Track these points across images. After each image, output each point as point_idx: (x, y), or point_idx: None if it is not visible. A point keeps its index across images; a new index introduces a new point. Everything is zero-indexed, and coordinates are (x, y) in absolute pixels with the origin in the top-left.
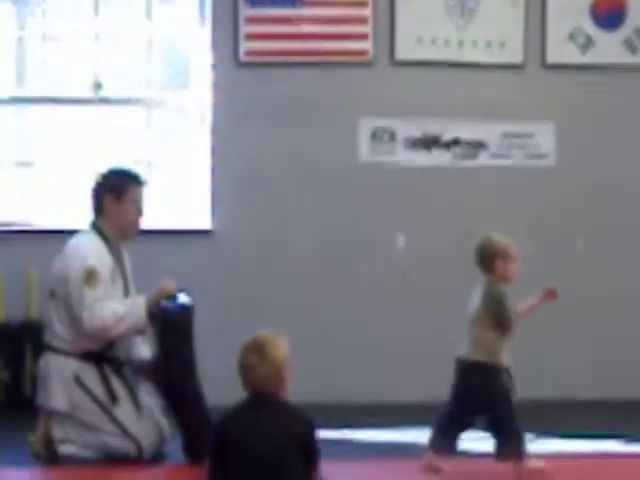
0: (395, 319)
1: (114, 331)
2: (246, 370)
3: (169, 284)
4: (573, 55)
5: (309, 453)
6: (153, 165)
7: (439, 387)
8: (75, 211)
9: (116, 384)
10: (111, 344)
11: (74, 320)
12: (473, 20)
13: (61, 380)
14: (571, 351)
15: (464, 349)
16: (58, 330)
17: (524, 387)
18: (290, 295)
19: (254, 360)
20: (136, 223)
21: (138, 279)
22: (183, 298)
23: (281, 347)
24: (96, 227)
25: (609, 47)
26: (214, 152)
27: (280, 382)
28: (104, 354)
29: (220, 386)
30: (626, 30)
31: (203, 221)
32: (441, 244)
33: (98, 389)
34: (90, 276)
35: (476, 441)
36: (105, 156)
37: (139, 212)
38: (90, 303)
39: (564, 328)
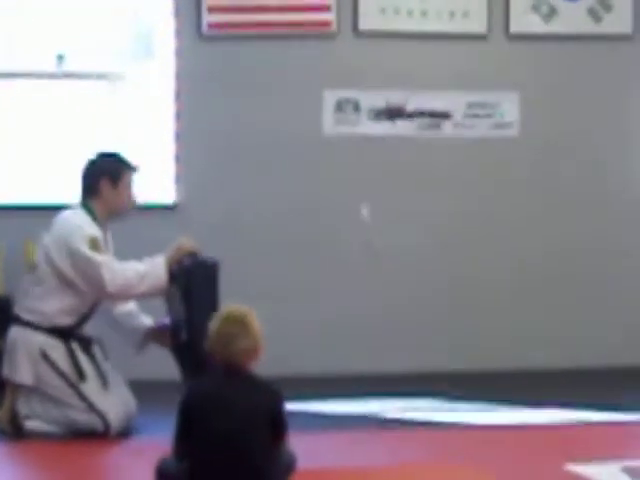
0: (360, 289)
1: (136, 290)
2: (227, 340)
3: (186, 242)
4: (536, 25)
5: (277, 425)
6: (118, 139)
7: (403, 358)
8: (40, 186)
9: (83, 360)
10: (82, 320)
11: (86, 288)
12: None
13: (27, 354)
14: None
15: None
16: (30, 303)
17: None
18: (255, 267)
19: (237, 331)
20: (128, 207)
21: None
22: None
23: (257, 321)
24: (87, 207)
25: (573, 16)
26: (177, 126)
27: (256, 355)
28: (72, 331)
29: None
30: None
31: (167, 195)
32: (406, 215)
33: (65, 364)
34: (94, 243)
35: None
36: (68, 129)
37: (131, 196)
38: (107, 264)
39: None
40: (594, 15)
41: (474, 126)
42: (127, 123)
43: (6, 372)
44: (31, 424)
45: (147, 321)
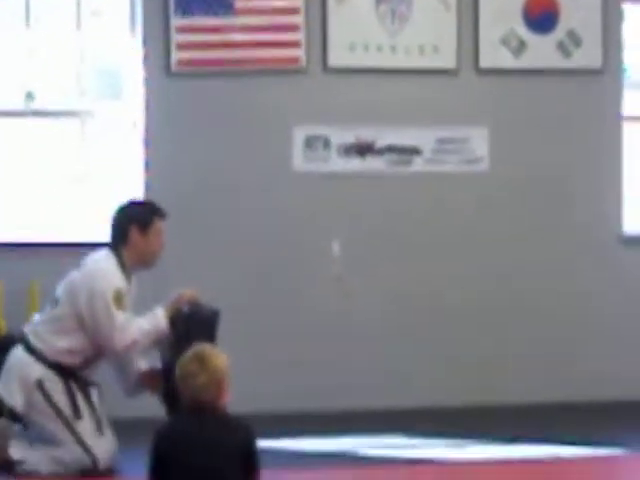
0: (331, 325)
1: (139, 346)
2: (185, 378)
3: (188, 291)
4: (506, 59)
5: (250, 462)
6: (86, 177)
7: (377, 395)
8: (12, 225)
9: (80, 400)
10: (85, 363)
11: (92, 338)
12: (405, 26)
13: (22, 381)
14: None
15: None
16: (42, 332)
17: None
18: (224, 307)
19: (194, 368)
20: (158, 255)
21: None
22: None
23: (221, 358)
24: (117, 253)
25: (542, 51)
26: (147, 164)
27: (220, 392)
28: (74, 371)
29: None
30: (559, 33)
31: None
32: (377, 250)
33: (60, 399)
34: (119, 298)
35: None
36: (38, 168)
37: (161, 245)
38: (121, 324)
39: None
40: (564, 50)
41: (444, 161)
42: (96, 159)
43: (2, 393)
44: (23, 467)
45: (141, 365)
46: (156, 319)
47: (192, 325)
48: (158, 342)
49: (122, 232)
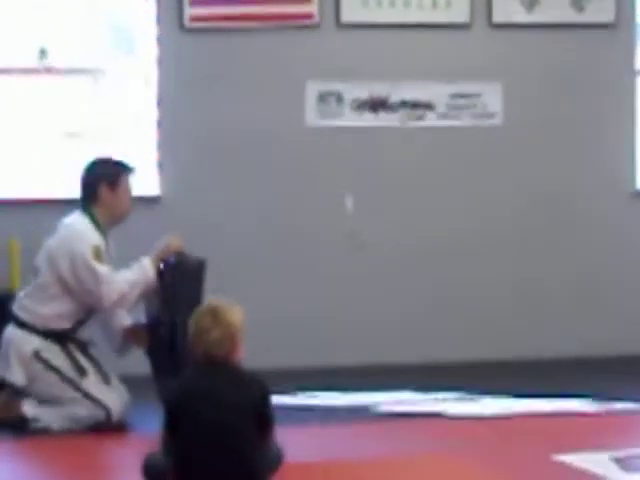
0: (345, 281)
1: (129, 299)
2: (200, 333)
3: (174, 240)
4: (519, 14)
5: (264, 418)
6: (100, 133)
7: (391, 350)
8: (28, 181)
9: (81, 359)
10: (78, 325)
11: (80, 294)
12: None
13: (19, 356)
14: None
15: None
16: (29, 304)
17: None
18: (239, 261)
19: (207, 323)
20: (128, 210)
21: None
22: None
23: (236, 312)
24: (88, 213)
25: (555, 5)
26: (160, 119)
27: (233, 347)
28: (68, 334)
29: None
30: None
31: (151, 188)
32: (390, 205)
33: (61, 363)
34: (98, 253)
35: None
36: (51, 124)
37: (130, 200)
38: (106, 278)
39: None
40: (576, 4)
41: (457, 117)
42: (110, 117)
43: (1, 369)
44: (37, 424)
45: (124, 320)
46: (143, 269)
47: (179, 275)
48: (145, 294)
49: (92, 191)
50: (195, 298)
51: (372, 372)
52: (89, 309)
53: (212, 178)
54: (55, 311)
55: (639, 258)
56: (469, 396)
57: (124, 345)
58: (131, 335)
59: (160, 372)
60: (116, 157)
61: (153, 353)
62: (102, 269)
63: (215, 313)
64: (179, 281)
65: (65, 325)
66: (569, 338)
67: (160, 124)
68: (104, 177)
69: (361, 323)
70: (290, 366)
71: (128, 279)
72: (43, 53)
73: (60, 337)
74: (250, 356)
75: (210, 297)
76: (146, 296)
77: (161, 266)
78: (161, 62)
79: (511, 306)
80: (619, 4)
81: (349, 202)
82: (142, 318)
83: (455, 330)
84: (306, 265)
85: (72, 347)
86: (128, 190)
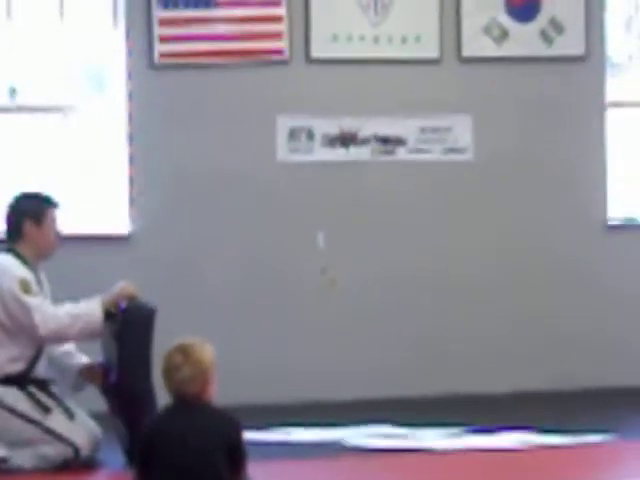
0: (315, 317)
1: (70, 331)
2: (170, 371)
3: (127, 286)
4: (489, 48)
5: (236, 455)
6: (72, 171)
7: (363, 385)
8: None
9: (43, 398)
10: (33, 364)
11: (18, 333)
12: (388, 16)
13: None
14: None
15: None
16: None
17: None
18: (210, 298)
19: (178, 360)
20: (56, 245)
21: (56, 285)
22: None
23: (207, 350)
24: (14, 252)
25: (524, 39)
26: (132, 156)
27: (205, 384)
28: (25, 376)
29: None
30: (541, 21)
31: (121, 226)
32: (362, 241)
33: (24, 405)
34: (25, 285)
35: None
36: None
37: (58, 234)
38: (38, 306)
39: None
40: (546, 37)
41: (428, 151)
42: (80, 155)
43: None
44: (7, 465)
45: (82, 360)
46: (90, 306)
47: (128, 321)
48: (96, 334)
49: (17, 228)
50: (143, 344)
51: (345, 407)
52: (38, 346)
53: (183, 215)
54: (6, 356)
55: (611, 292)
56: (446, 431)
57: (78, 383)
58: (87, 373)
59: (112, 412)
60: (41, 192)
61: (106, 393)
62: (32, 300)
63: (186, 351)
64: (127, 327)
65: (20, 367)
66: (543, 372)
67: (131, 161)
68: (29, 213)
69: (333, 359)
70: (262, 402)
71: (70, 312)
72: (13, 92)
73: (18, 380)
74: (222, 393)
75: (180, 336)
76: (101, 336)
77: (112, 310)
78: (132, 99)
79: (485, 342)
80: (589, 37)
81: (321, 238)
82: (99, 358)
83: (433, 364)
84: (277, 302)
85: (32, 387)
86: (54, 225)
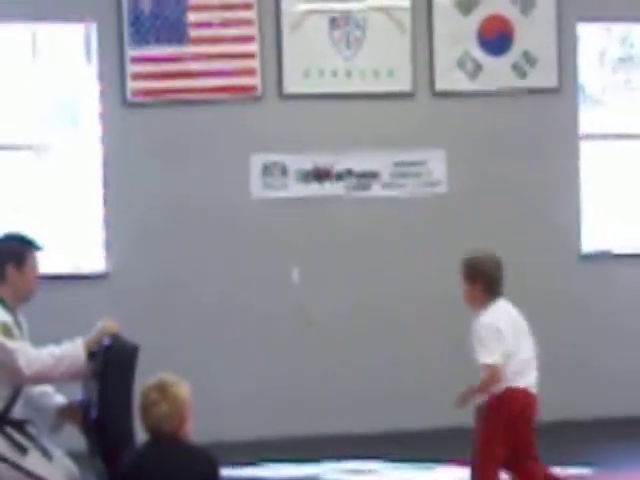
0: (292, 354)
1: (55, 372)
2: (147, 407)
3: (110, 324)
4: (462, 82)
5: None
6: (45, 209)
7: (339, 421)
8: None
9: (20, 439)
10: (10, 405)
11: (3, 373)
12: (360, 50)
13: None
14: None
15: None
16: None
17: None
18: (187, 335)
19: (155, 398)
20: (36, 287)
21: (35, 325)
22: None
23: (183, 388)
24: None
25: (498, 72)
26: (105, 194)
27: (181, 421)
28: (3, 417)
29: None
30: (514, 54)
31: (97, 264)
32: (337, 276)
33: (2, 446)
34: (6, 330)
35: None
36: None
37: (37, 277)
38: (21, 349)
39: None
40: (519, 70)
41: (402, 185)
42: (54, 192)
43: None
44: None
45: (60, 400)
46: (73, 347)
47: (110, 358)
48: (80, 374)
49: None
50: (125, 382)
51: (323, 443)
52: (16, 387)
53: (158, 253)
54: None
55: (589, 320)
56: (421, 464)
57: (57, 423)
58: (67, 413)
59: (92, 451)
60: (23, 233)
61: (86, 432)
62: (13, 344)
63: (162, 388)
64: (110, 364)
65: None
66: None
67: (105, 199)
68: (10, 256)
69: (311, 395)
70: (241, 438)
71: (54, 353)
72: None
73: None
74: (200, 430)
75: (157, 370)
76: (82, 376)
77: (96, 348)
78: (105, 137)
79: (461, 374)
80: (561, 69)
81: (295, 274)
82: (79, 397)
83: (410, 399)
84: (254, 338)
85: (9, 428)
86: (35, 268)
